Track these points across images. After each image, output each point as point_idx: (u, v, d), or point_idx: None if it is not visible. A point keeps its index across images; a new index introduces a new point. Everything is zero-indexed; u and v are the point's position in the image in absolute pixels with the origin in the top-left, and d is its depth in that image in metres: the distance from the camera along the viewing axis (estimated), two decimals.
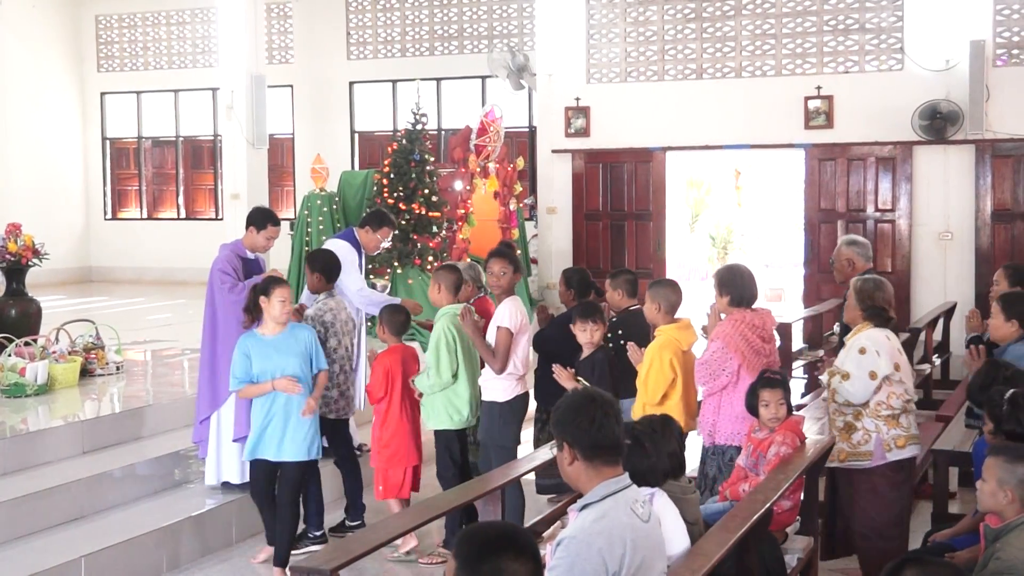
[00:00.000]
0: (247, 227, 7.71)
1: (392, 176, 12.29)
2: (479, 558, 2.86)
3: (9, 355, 8.61)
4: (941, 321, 11.85)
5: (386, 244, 8.79)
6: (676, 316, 6.73)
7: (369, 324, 9.04)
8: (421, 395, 7.13)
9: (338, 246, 8.36)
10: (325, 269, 7.47)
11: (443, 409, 7.05)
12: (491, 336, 7.01)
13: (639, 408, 6.51)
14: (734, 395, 6.21)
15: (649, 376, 6.52)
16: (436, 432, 7.17)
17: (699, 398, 6.63)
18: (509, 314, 6.95)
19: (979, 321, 7.69)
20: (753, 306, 6.41)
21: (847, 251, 8.33)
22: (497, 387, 7.01)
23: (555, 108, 15.52)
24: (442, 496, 5.84)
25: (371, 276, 8.61)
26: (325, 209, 12.49)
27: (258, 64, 15.57)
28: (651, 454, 4.45)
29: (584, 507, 3.64)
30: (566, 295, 7.85)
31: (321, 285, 7.45)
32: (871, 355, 6.08)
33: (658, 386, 6.49)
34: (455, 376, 7.01)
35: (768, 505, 5.08)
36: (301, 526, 7.07)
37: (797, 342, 11.64)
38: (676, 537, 4.39)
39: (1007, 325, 6.20)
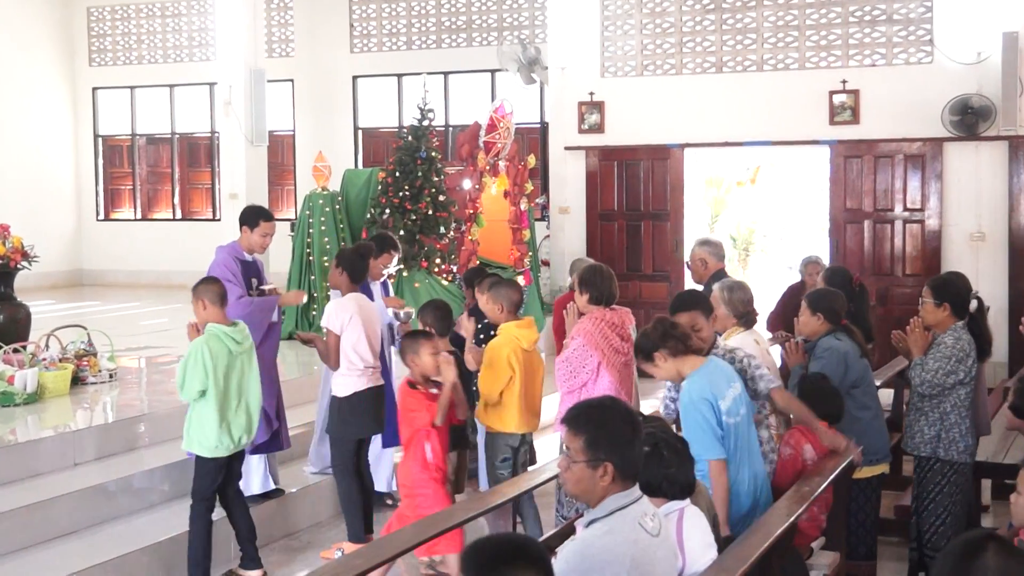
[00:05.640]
0: (240, 228, 7.76)
1: (397, 174, 12.31)
2: (491, 569, 2.91)
3: None
4: None
5: (390, 270, 8.71)
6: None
7: None
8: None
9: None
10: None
11: (194, 432, 6.87)
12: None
13: (481, 408, 6.93)
14: (593, 391, 6.54)
15: (486, 375, 6.83)
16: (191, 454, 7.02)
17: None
18: (327, 314, 7.33)
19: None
20: (613, 305, 6.89)
21: (699, 251, 8.66)
22: (337, 382, 7.33)
23: (568, 103, 15.50)
24: (447, 511, 5.85)
25: None
26: (327, 209, 12.51)
27: (257, 58, 15.61)
28: (670, 464, 4.44)
29: (591, 522, 3.65)
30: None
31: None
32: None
33: (495, 384, 6.80)
34: (203, 394, 6.72)
35: (792, 519, 5.07)
36: None
37: None
38: (702, 554, 4.39)
39: (814, 320, 6.70)
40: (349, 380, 7.30)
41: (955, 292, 6.73)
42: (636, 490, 3.72)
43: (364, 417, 7.36)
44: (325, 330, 7.33)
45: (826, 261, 11.95)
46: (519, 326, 6.97)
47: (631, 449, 3.65)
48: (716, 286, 6.96)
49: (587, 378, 6.64)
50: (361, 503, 7.34)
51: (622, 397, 6.43)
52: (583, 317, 6.82)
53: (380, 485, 8.18)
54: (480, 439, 7.28)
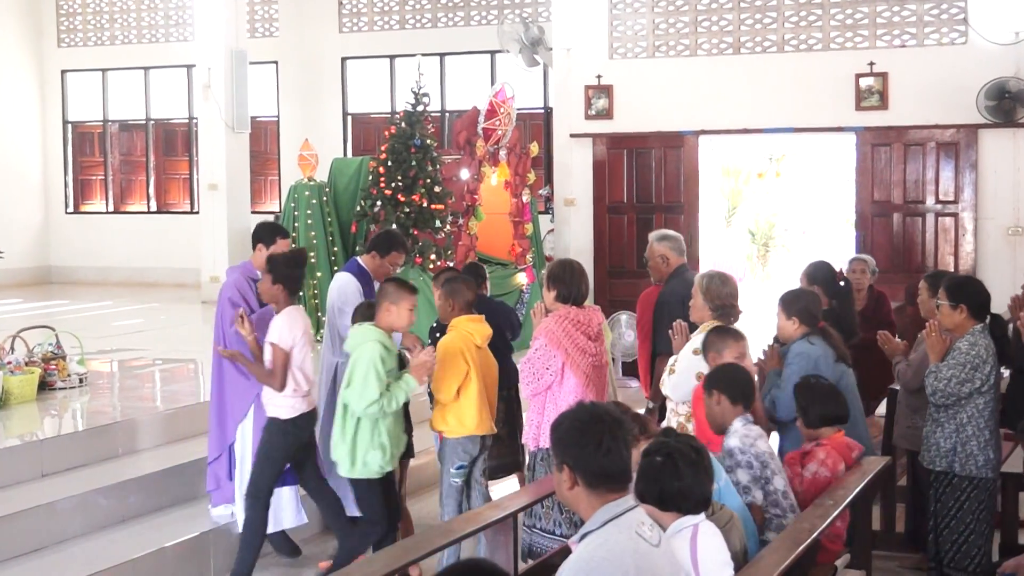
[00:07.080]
0: (254, 245, 7.60)
1: (390, 164, 12.31)
2: None
3: None
4: (1010, 328, 11.80)
5: (397, 273, 8.59)
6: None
7: None
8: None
9: (341, 281, 8.07)
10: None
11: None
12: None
13: (437, 411, 6.99)
14: (559, 394, 6.65)
15: (440, 374, 6.87)
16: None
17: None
18: (276, 329, 6.93)
19: None
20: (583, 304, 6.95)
21: (659, 247, 8.50)
22: (279, 403, 6.98)
23: (574, 87, 15.51)
24: (442, 526, 5.85)
25: None
26: (314, 201, 12.52)
27: (239, 38, 15.61)
28: (685, 476, 4.45)
29: (583, 536, 3.67)
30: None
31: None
32: (703, 358, 6.43)
33: (451, 382, 6.87)
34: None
35: (815, 535, 5.07)
36: None
37: None
38: (718, 572, 4.40)
39: (789, 324, 6.71)
40: (291, 401, 6.99)
41: (972, 292, 6.71)
42: (630, 499, 3.76)
43: (300, 442, 7.12)
44: (271, 346, 6.92)
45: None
46: (471, 320, 7.08)
47: (583, 449, 3.67)
48: (699, 274, 7.03)
49: (551, 380, 6.71)
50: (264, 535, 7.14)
51: (590, 399, 6.44)
52: (547, 316, 6.90)
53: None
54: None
